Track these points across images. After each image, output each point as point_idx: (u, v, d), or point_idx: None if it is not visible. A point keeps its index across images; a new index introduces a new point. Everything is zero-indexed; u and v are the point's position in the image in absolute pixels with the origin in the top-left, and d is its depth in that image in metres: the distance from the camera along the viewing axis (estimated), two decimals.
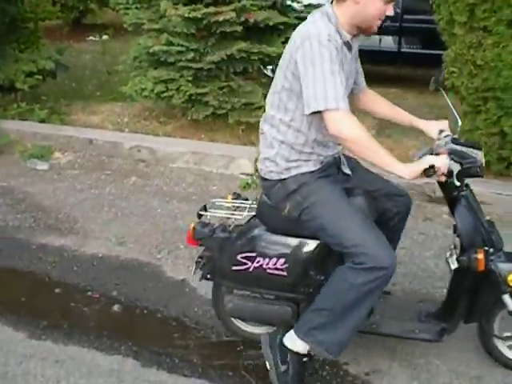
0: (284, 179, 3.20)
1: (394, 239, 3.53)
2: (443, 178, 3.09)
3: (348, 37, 3.08)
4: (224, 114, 6.97)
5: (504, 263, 3.20)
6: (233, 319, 3.67)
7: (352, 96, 3.41)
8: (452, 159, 3.10)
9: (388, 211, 3.46)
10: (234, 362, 3.62)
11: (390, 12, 3.04)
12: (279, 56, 3.20)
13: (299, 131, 3.14)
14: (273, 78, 3.24)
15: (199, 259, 3.56)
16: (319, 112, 2.93)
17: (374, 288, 3.02)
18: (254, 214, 3.46)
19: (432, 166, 2.95)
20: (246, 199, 3.64)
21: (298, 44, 2.97)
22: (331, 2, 3.08)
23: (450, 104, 3.43)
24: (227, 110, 6.92)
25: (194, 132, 7.22)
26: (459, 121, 3.36)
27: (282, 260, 3.27)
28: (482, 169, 3.15)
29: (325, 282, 3.21)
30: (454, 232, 3.34)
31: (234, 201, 3.62)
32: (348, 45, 3.10)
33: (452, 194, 3.25)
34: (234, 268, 3.37)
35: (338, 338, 3.12)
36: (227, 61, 6.77)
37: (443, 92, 3.46)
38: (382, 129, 6.82)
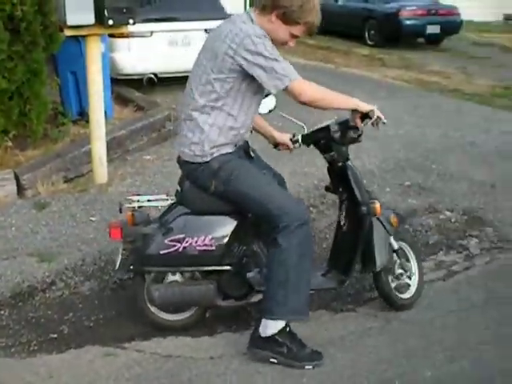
0: (207, 162, 3.62)
1: None
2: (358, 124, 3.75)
3: None
4: None
5: (385, 209, 4.17)
6: (151, 308, 3.91)
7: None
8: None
9: None
10: None
11: (292, 45, 3.67)
12: None
13: (230, 114, 3.61)
14: None
15: (123, 251, 3.85)
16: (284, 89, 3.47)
17: (306, 242, 3.59)
18: (173, 201, 3.88)
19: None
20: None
21: (236, 42, 3.44)
22: (254, 10, 3.63)
23: (292, 118, 4.08)
24: None
25: None
26: (304, 126, 4.04)
27: (210, 236, 3.71)
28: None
29: (247, 252, 3.85)
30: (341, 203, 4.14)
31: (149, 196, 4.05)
32: None
33: (340, 163, 3.97)
34: (163, 252, 3.71)
35: (302, 299, 3.62)
36: None
37: (282, 113, 4.10)
38: None
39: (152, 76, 9.33)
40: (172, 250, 3.71)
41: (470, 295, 4.46)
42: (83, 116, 7.23)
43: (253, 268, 3.87)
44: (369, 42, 16.05)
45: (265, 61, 3.42)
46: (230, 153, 3.65)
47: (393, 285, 4.15)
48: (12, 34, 6.17)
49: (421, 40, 16.44)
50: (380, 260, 4.01)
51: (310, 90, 3.49)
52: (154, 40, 9.27)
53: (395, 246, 4.14)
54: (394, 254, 4.16)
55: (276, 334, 3.61)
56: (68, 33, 5.68)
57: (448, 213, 5.70)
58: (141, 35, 9.04)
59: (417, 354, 3.76)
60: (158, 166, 6.51)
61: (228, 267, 3.82)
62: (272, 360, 3.60)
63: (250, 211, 3.73)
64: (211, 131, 3.60)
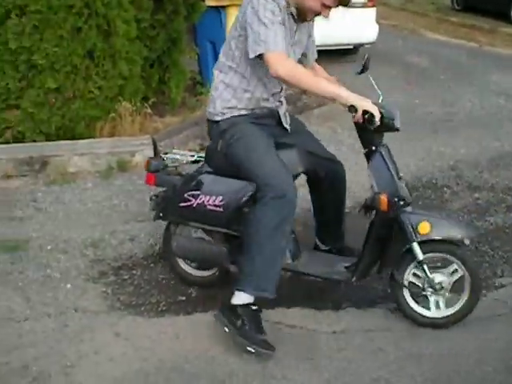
0: (218, 121, 3.64)
1: (333, 204, 4.03)
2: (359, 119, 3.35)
3: (294, 10, 3.49)
4: None
5: (414, 215, 3.57)
6: (179, 262, 4.11)
7: None
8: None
9: (317, 172, 3.90)
10: None
11: (326, 15, 3.49)
12: None
13: (244, 77, 3.55)
14: None
15: (154, 197, 4.04)
16: (261, 56, 3.34)
17: (278, 218, 3.41)
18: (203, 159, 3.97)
19: (371, 114, 3.31)
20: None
21: None
22: None
23: (374, 83, 3.79)
24: None
25: None
26: (381, 95, 3.73)
27: (220, 198, 3.70)
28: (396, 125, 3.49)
29: None
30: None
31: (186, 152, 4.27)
32: (293, 16, 3.51)
33: (370, 146, 3.59)
34: (181, 204, 3.82)
35: (269, 277, 3.48)
36: None
37: (369, 76, 3.83)
38: None
39: None
40: (188, 204, 3.79)
41: None
42: None
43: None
44: None
45: (257, 22, 3.31)
46: (242, 116, 3.57)
47: (409, 297, 3.74)
48: (155, 3, 6.33)
49: None
50: (389, 264, 3.73)
51: (285, 66, 3.30)
52: None
53: (419, 256, 3.56)
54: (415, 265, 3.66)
55: (239, 306, 3.51)
56: (209, 2, 5.76)
57: None
58: None
59: None
60: None
61: (235, 233, 3.78)
62: (225, 329, 3.52)
63: (243, 177, 3.61)
64: (225, 91, 3.58)
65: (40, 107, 5.83)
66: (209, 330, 3.69)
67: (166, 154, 4.19)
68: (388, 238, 3.65)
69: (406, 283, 3.67)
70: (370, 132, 3.48)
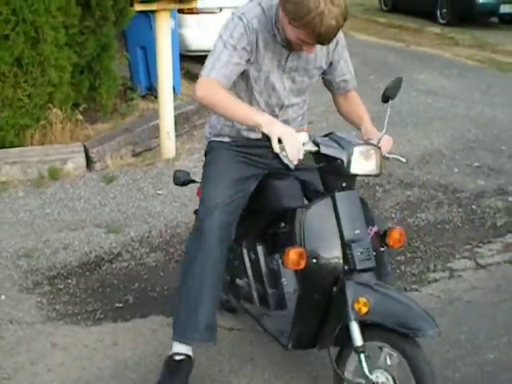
0: (207, 143, 3.40)
1: None
2: (291, 155, 2.69)
3: (278, 36, 2.98)
4: None
5: (357, 285, 2.78)
6: None
7: (334, 98, 3.39)
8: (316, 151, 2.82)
9: None
10: None
11: (307, 51, 2.93)
12: None
13: None
14: None
15: None
16: None
17: (198, 249, 3.06)
18: None
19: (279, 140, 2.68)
20: None
21: None
22: None
23: (387, 116, 3.04)
24: None
25: None
26: (383, 132, 3.02)
27: None
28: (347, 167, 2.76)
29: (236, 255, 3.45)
30: None
31: None
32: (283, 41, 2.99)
33: (328, 189, 2.95)
34: None
35: (192, 319, 3.07)
36: None
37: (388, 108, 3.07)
38: None
39: None
40: None
41: None
42: (152, 91, 7.31)
43: (242, 276, 3.49)
44: (440, 21, 15.66)
45: (216, 41, 2.99)
46: (223, 142, 3.28)
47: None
48: (83, 9, 6.27)
49: (494, 19, 16.03)
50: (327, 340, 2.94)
51: (205, 89, 2.94)
52: (223, 16, 9.25)
53: (356, 341, 2.74)
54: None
55: (170, 354, 3.21)
56: (138, 8, 5.74)
57: None
58: (210, 11, 9.05)
59: (480, 336, 3.70)
60: None
61: None
62: None
63: None
64: (213, 115, 3.35)
65: None
66: (148, 336, 3.68)
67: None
68: (326, 306, 2.93)
69: (348, 376, 2.89)
70: (330, 173, 2.89)
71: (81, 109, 6.40)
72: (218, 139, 3.31)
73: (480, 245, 4.76)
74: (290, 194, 3.21)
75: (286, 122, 3.08)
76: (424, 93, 8.57)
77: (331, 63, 3.22)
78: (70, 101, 6.28)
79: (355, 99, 3.35)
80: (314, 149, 2.81)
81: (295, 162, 2.74)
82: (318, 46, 2.96)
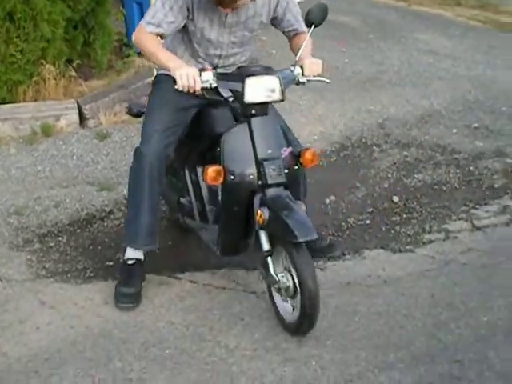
0: (155, 76, 3.88)
1: None
2: (183, 89, 3.21)
3: None
4: None
5: (261, 198, 3.23)
6: None
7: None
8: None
9: None
10: None
11: (225, 11, 3.38)
12: None
13: (172, 44, 3.64)
14: None
15: None
16: None
17: (137, 170, 3.51)
18: None
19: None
20: None
21: None
22: None
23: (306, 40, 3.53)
24: None
25: None
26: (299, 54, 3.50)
27: None
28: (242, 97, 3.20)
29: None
30: None
31: None
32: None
33: (237, 118, 3.42)
34: None
35: (136, 227, 3.57)
36: None
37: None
38: None
39: None
40: None
41: None
42: None
43: (185, 195, 3.86)
44: None
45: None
46: (169, 76, 3.36)
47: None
48: None
49: None
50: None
51: (138, 37, 3.43)
52: None
53: (264, 245, 3.26)
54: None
55: (124, 260, 3.69)
56: None
57: None
58: None
59: (474, 299, 3.66)
60: None
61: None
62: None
63: None
64: None
65: None
66: None
67: None
68: (247, 217, 3.34)
69: (272, 279, 3.26)
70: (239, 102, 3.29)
71: (74, 65, 6.27)
72: (166, 72, 3.48)
73: (477, 206, 4.71)
74: (223, 121, 3.51)
75: (227, 66, 3.63)
76: (425, 53, 8.41)
77: (276, 17, 3.63)
78: (63, 56, 6.14)
79: (303, 38, 3.61)
80: (214, 85, 3.25)
81: (186, 90, 3.21)
82: (259, 4, 3.46)
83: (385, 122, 6.01)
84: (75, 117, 5.67)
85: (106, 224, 4.36)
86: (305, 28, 3.62)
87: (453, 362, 3.14)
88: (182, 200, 3.86)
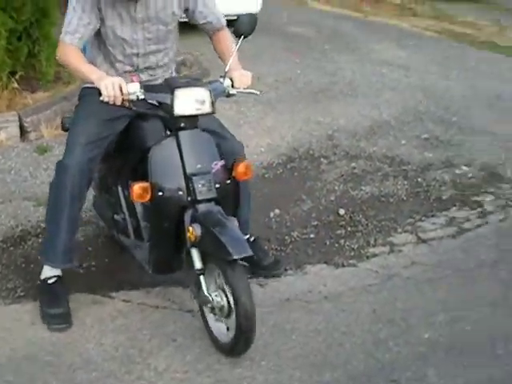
0: (81, 90, 3.71)
1: None
2: (109, 99, 3.12)
3: None
4: None
5: (192, 215, 3.13)
6: None
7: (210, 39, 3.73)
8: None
9: None
10: None
11: None
12: None
13: (93, 54, 3.57)
14: None
15: None
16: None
17: (57, 184, 3.38)
18: None
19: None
20: None
21: None
22: None
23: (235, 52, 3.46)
24: None
25: None
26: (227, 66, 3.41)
27: None
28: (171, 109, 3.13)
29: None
30: None
31: None
32: None
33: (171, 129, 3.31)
34: None
35: (54, 244, 3.45)
36: None
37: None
38: None
39: None
40: None
41: (479, 254, 4.25)
42: None
43: (119, 211, 3.65)
44: None
45: (69, 3, 3.38)
46: (94, 88, 3.24)
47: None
48: None
49: None
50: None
51: (62, 52, 3.40)
52: None
53: (196, 263, 3.14)
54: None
55: (43, 279, 3.57)
56: None
57: (465, 168, 5.47)
58: None
59: (416, 314, 3.58)
60: None
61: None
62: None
63: None
64: None
65: None
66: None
67: None
68: (178, 234, 3.23)
69: (205, 298, 3.14)
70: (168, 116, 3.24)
71: (17, 77, 6.11)
72: (91, 85, 3.35)
73: (423, 218, 4.65)
74: (153, 133, 3.39)
75: (149, 68, 3.55)
76: (378, 63, 8.38)
77: (187, 9, 3.55)
78: (6, 68, 5.99)
79: (226, 39, 3.63)
80: (142, 97, 3.15)
81: (115, 103, 3.13)
82: None
83: (334, 134, 5.94)
84: (16, 130, 5.50)
85: (40, 240, 4.18)
86: (223, 21, 3.62)
87: (389, 382, 3.05)
88: (116, 217, 3.67)
